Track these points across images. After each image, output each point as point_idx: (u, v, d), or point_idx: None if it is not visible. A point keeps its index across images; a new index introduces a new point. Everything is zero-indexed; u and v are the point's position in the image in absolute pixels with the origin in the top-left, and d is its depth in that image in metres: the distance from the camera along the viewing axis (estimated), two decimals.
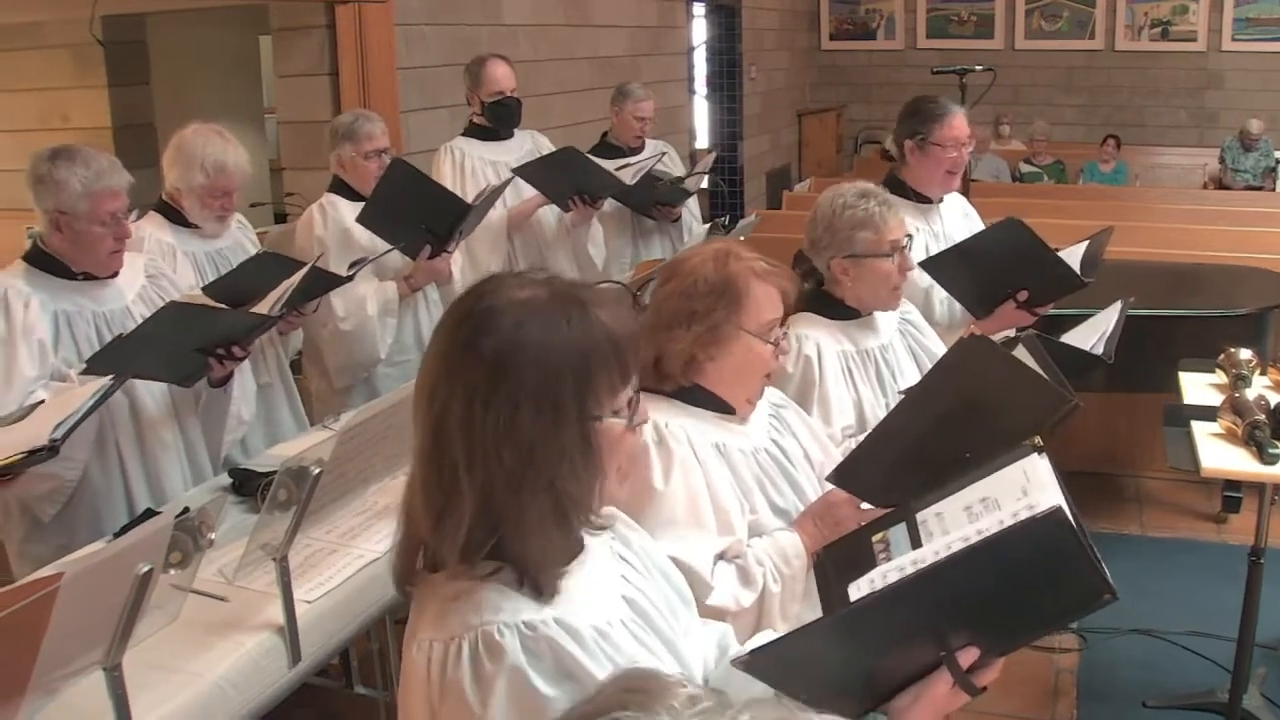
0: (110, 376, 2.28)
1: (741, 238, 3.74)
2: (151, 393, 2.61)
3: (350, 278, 3.05)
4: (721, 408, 1.84)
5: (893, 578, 1.34)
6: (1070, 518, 1.21)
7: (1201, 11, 10.12)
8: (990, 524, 1.33)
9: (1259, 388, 2.82)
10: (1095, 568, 1.20)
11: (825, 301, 2.39)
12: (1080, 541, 1.20)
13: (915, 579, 1.25)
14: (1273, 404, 2.59)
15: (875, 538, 1.45)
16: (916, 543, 1.40)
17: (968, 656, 1.26)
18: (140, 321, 2.50)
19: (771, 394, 2.00)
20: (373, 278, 3.33)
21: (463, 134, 4.02)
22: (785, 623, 1.78)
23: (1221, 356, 2.99)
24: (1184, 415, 2.74)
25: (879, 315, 2.44)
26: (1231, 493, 3.01)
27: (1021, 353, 1.87)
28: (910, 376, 2.41)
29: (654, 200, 4.32)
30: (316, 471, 1.91)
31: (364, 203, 3.24)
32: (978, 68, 4.26)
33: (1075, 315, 2.81)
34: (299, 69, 4.63)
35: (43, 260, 2.49)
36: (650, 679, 0.86)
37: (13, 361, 2.40)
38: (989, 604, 1.25)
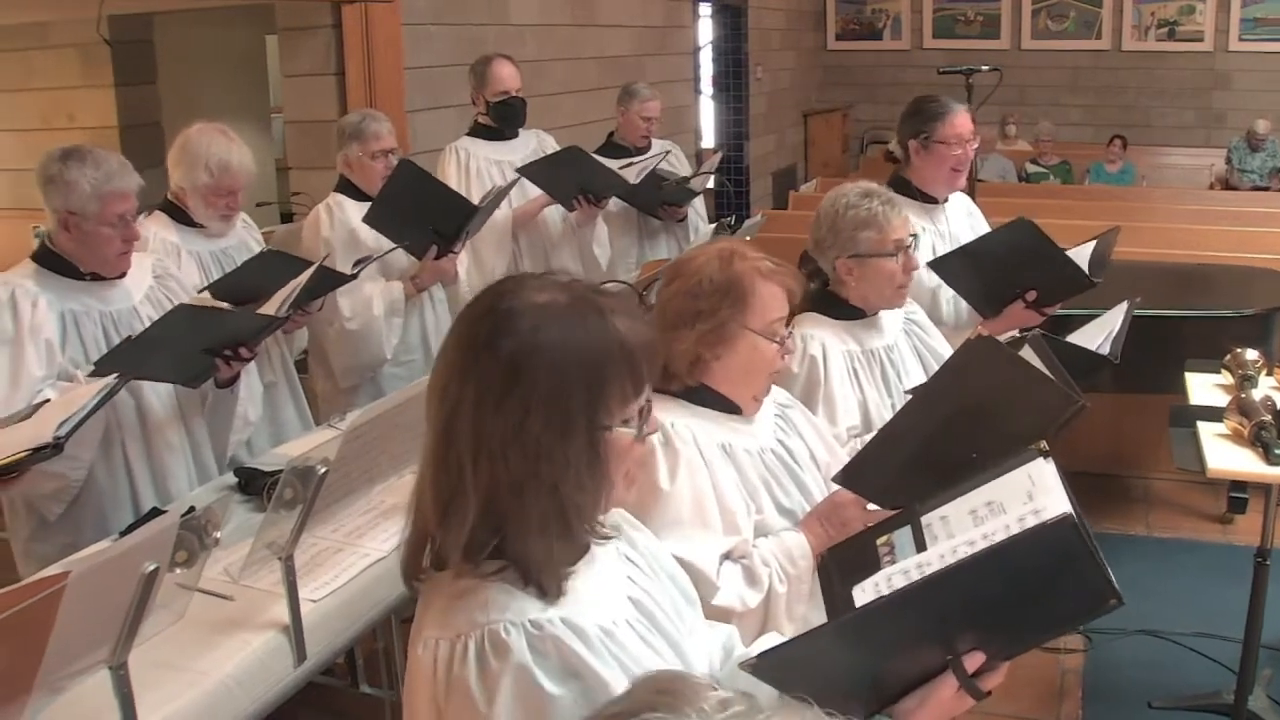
0: (114, 375, 2.28)
1: (747, 238, 3.74)
2: (157, 393, 2.62)
3: (354, 276, 3.05)
4: (728, 407, 1.84)
5: (898, 581, 1.34)
6: (1079, 525, 1.20)
7: (1208, 11, 10.08)
8: (995, 528, 1.33)
9: (1265, 388, 2.81)
10: (1102, 574, 1.20)
11: (830, 301, 2.39)
12: (1089, 549, 1.20)
13: (924, 584, 1.25)
14: (1279, 405, 2.59)
15: (880, 540, 1.44)
16: (921, 546, 1.39)
17: (973, 661, 1.26)
18: (148, 322, 2.51)
19: (778, 394, 2.00)
20: (379, 278, 3.34)
21: (468, 134, 4.01)
22: (791, 623, 1.78)
23: (1228, 357, 2.97)
24: (1190, 416, 2.73)
25: (884, 315, 2.44)
26: (1237, 494, 3.01)
27: (1028, 353, 1.87)
28: (915, 376, 2.41)
29: (660, 200, 4.32)
30: (322, 471, 1.92)
31: (370, 203, 3.24)
32: (984, 68, 4.24)
33: (1081, 315, 2.81)
34: (305, 69, 4.64)
35: (51, 260, 2.50)
36: (680, 681, 0.86)
37: (20, 361, 2.40)
38: (996, 609, 1.25)
